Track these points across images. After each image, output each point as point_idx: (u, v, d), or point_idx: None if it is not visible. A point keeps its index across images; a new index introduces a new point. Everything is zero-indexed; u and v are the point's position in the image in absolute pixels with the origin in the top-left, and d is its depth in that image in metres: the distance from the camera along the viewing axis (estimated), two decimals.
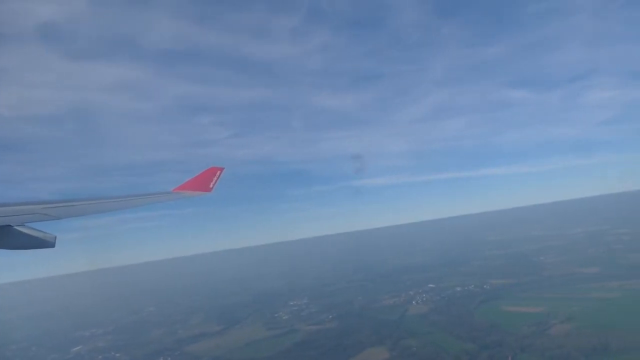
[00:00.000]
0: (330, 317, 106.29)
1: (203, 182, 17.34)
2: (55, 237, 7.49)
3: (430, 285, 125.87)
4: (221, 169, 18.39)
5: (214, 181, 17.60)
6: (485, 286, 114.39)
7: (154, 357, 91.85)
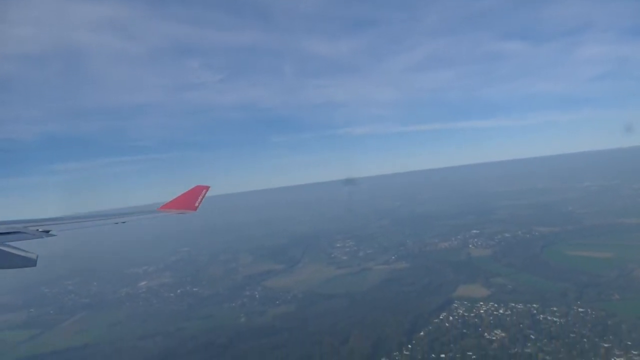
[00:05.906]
0: (393, 258, 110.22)
1: (188, 200, 17.31)
2: (37, 256, 7.23)
3: (474, 231, 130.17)
4: (206, 188, 18.39)
5: (199, 200, 17.54)
6: (534, 233, 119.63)
7: (236, 292, 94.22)
